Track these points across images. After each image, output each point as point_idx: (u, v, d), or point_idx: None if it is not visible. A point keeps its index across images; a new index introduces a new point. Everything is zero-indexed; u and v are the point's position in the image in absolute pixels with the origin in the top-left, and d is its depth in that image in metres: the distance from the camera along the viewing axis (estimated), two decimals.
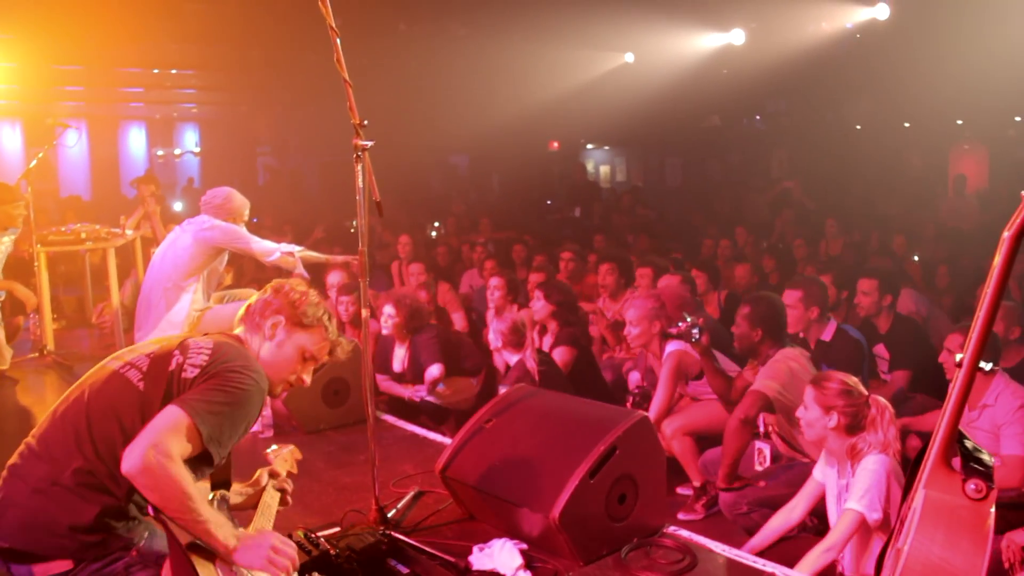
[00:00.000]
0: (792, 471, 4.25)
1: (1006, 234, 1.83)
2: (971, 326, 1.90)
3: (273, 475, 2.98)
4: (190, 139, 19.80)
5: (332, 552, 2.88)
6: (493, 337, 5.53)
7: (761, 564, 3.24)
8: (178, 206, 13.59)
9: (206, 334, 2.64)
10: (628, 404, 5.32)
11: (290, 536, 2.83)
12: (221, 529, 2.28)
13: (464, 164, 20.50)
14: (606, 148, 21.02)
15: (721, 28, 12.49)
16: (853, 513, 3.35)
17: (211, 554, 2.29)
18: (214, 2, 10.82)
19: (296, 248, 5.33)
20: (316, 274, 6.27)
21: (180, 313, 5.06)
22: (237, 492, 2.84)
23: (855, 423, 3.49)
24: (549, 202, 16.38)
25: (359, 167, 3.22)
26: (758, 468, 4.42)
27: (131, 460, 2.21)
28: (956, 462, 1.93)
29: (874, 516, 3.32)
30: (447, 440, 4.42)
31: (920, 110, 13.20)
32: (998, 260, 1.85)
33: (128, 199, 13.43)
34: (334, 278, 6.92)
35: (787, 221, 11.30)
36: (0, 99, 13.53)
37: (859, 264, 8.01)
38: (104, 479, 2.33)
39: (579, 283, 7.57)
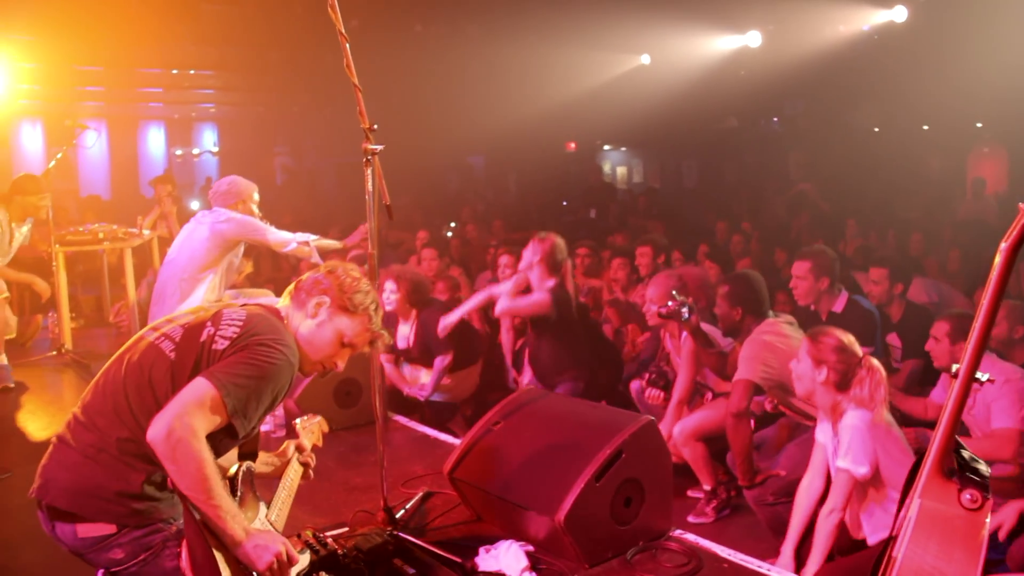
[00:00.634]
0: (807, 449, 4.22)
1: (1003, 245, 1.82)
2: (967, 338, 1.90)
3: (299, 449, 2.98)
4: (208, 139, 19.95)
5: (339, 552, 2.92)
6: (523, 267, 5.34)
7: (766, 568, 3.25)
8: (196, 205, 13.69)
9: (244, 305, 2.61)
10: (645, 381, 5.24)
11: (299, 536, 2.88)
12: (233, 519, 2.30)
13: (480, 165, 20.50)
14: (623, 149, 20.95)
15: (738, 30, 12.48)
16: (842, 472, 3.36)
17: None
18: (233, 3, 10.94)
19: (312, 237, 5.31)
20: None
21: (193, 304, 5.02)
22: (264, 462, 2.85)
23: (844, 380, 3.48)
24: (565, 203, 16.33)
25: (368, 171, 3.26)
26: None
27: (156, 429, 2.24)
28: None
29: (860, 471, 3.32)
30: (457, 441, 4.45)
31: (939, 113, 13.05)
32: (995, 271, 1.84)
33: (147, 199, 13.53)
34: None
35: (804, 223, 11.23)
36: (22, 99, 13.64)
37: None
38: (146, 448, 2.31)
39: (595, 278, 7.57)
